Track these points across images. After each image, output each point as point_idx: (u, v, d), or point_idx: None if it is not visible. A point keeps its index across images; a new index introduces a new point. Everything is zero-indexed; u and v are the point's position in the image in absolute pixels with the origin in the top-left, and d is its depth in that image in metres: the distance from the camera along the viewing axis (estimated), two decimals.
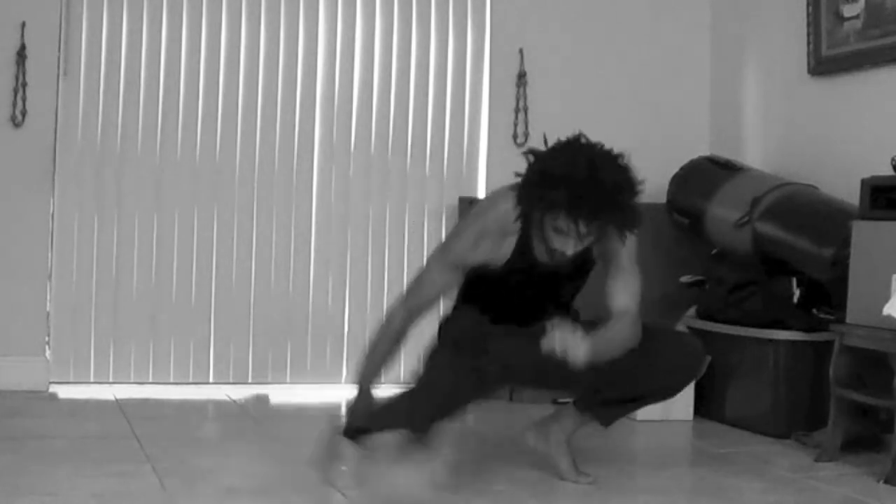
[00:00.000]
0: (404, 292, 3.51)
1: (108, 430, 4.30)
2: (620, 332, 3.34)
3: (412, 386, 3.47)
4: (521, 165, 3.29)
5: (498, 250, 3.38)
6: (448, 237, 3.56)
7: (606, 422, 3.67)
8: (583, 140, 3.25)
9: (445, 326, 3.54)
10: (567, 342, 3.08)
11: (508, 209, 3.32)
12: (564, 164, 3.16)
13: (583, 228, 3.18)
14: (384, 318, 3.50)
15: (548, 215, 3.21)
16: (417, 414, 3.33)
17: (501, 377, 3.49)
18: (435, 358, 3.47)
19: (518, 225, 3.35)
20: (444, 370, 3.38)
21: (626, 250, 3.38)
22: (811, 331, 4.45)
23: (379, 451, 3.24)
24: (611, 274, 3.41)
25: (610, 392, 3.56)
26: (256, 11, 5.38)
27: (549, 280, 3.44)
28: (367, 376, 3.45)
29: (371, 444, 3.27)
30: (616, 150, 3.24)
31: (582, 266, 3.47)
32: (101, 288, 5.26)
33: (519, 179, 3.29)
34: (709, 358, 4.74)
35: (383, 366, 3.45)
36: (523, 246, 3.38)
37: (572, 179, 3.13)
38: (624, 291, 3.39)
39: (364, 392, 3.44)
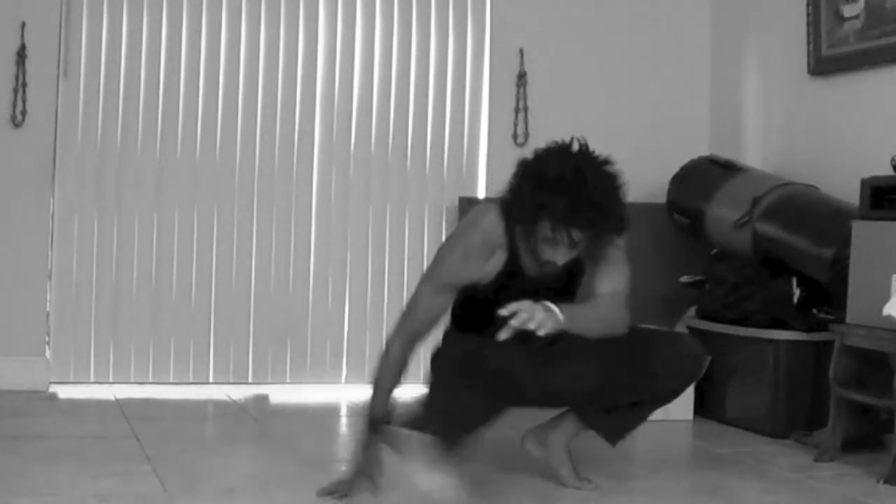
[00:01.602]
0: (399, 321, 3.40)
1: (108, 430, 4.29)
2: (602, 310, 3.30)
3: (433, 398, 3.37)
4: None
5: (485, 266, 3.30)
6: (434, 260, 3.44)
7: (613, 439, 3.58)
8: (573, 146, 3.19)
9: (438, 356, 3.47)
10: (534, 313, 3.01)
11: (493, 222, 3.27)
12: (552, 172, 3.10)
13: (576, 237, 3.13)
14: (383, 349, 3.39)
15: (538, 225, 3.15)
16: (449, 425, 3.23)
17: (505, 386, 3.38)
18: (440, 380, 3.39)
19: (505, 238, 3.29)
20: (454, 391, 3.30)
21: (616, 247, 3.31)
22: (811, 331, 4.45)
23: (410, 453, 3.15)
24: (599, 266, 3.34)
25: (608, 399, 3.47)
26: (256, 11, 5.38)
27: (540, 294, 3.32)
28: (376, 410, 3.33)
29: (401, 442, 3.17)
30: (603, 155, 3.18)
31: (572, 274, 3.38)
32: (101, 288, 5.26)
33: (501, 193, 3.23)
34: (709, 358, 4.76)
35: (390, 397, 3.34)
36: (512, 259, 3.31)
37: (562, 187, 3.07)
38: (610, 279, 3.33)
39: (375, 428, 3.33)
